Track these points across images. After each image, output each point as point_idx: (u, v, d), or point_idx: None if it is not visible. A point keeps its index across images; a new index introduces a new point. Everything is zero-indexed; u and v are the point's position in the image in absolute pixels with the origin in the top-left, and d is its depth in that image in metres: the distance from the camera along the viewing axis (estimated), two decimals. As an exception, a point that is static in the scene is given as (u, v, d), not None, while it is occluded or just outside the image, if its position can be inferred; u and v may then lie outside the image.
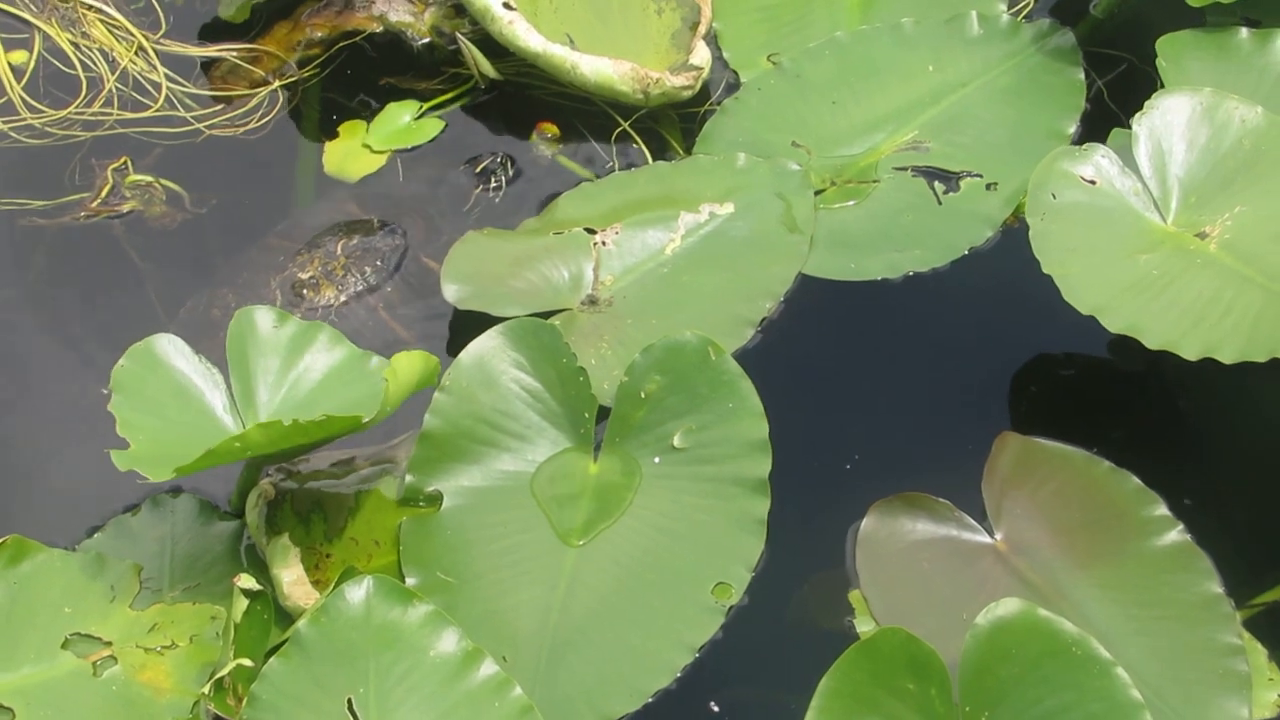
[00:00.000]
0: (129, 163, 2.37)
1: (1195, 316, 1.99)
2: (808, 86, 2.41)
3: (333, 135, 2.46)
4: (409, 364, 1.94)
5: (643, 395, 2.01)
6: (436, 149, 2.44)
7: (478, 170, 2.38)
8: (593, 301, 2.18)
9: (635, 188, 2.32)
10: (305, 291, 2.22)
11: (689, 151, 2.39)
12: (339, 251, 2.26)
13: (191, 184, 2.37)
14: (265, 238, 2.31)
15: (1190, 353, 1.95)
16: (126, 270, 2.31)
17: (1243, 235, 2.08)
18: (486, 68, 2.46)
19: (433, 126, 2.48)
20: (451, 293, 2.18)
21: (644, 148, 2.42)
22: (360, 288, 2.23)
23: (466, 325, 2.14)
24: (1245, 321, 1.98)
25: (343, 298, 2.22)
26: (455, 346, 2.11)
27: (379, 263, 2.25)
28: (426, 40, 2.51)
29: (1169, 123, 2.16)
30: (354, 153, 2.43)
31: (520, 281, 2.20)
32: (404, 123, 2.46)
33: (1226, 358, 1.95)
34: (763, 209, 2.26)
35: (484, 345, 2.04)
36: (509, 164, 2.36)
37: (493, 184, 2.34)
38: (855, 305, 2.22)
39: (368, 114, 2.49)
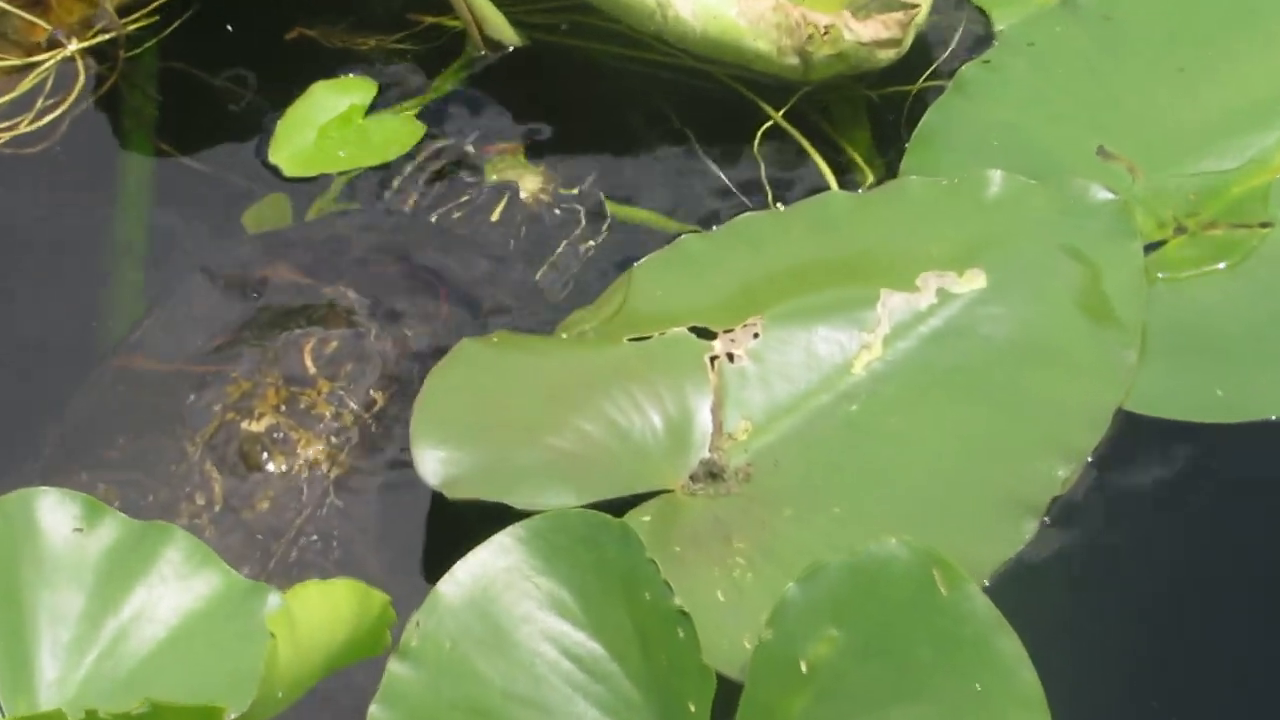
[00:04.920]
0: None
1: None
2: (1125, 41, 1.91)
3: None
4: (326, 604, 1.53)
5: (804, 666, 1.57)
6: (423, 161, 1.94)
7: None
8: (713, 474, 1.65)
9: (788, 245, 1.82)
10: (265, 458, 1.74)
11: (892, 170, 1.89)
12: (309, 367, 1.78)
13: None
14: (130, 355, 1.80)
15: None
16: None
17: None
18: (498, 23, 1.97)
19: (402, 129, 1.92)
20: (432, 466, 1.64)
21: (820, 162, 1.88)
22: (363, 430, 1.79)
23: (459, 523, 1.65)
24: None
25: (342, 457, 1.75)
26: (435, 566, 1.61)
27: (383, 378, 1.80)
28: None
29: None
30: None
31: (565, 437, 1.68)
32: (340, 111, 1.95)
33: None
34: (1041, 280, 1.75)
35: (488, 565, 1.59)
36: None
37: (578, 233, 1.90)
38: (1225, 471, 1.70)
39: (267, 107, 1.97)
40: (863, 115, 1.96)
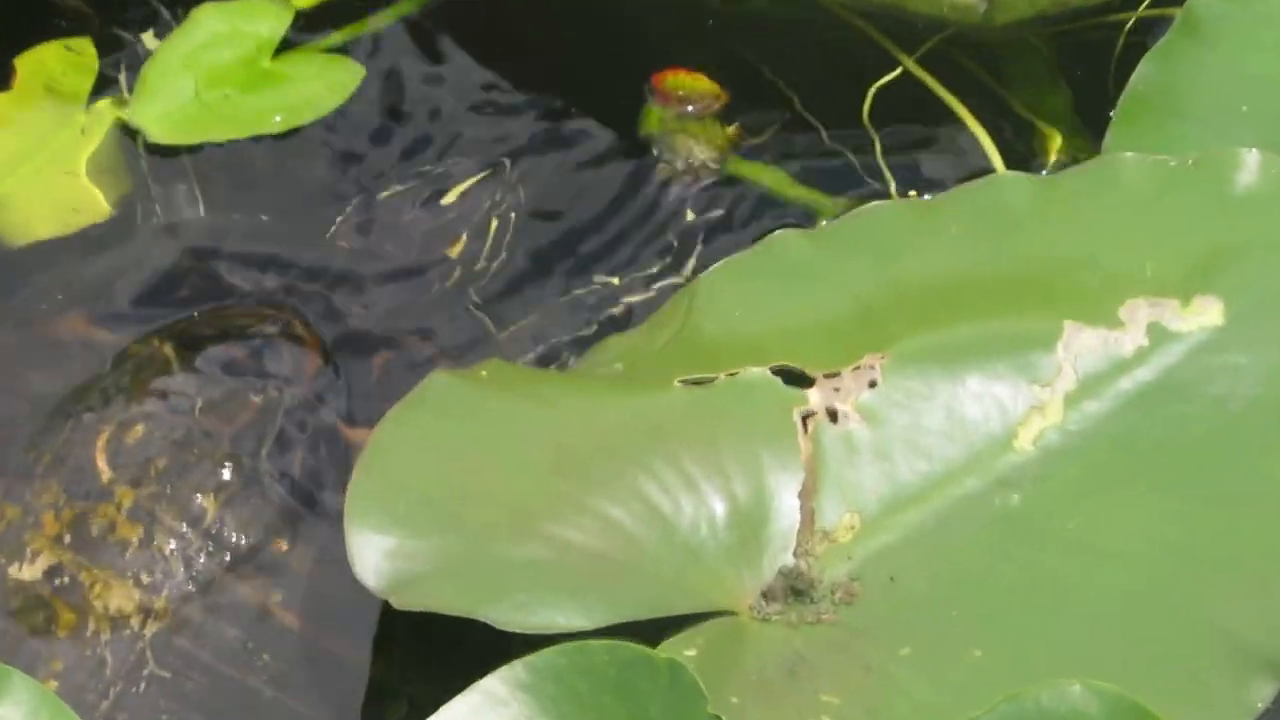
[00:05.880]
0: None
1: None
2: None
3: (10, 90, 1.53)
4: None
5: None
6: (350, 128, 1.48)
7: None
8: (797, 591, 1.28)
9: (935, 251, 1.41)
10: (45, 618, 1.36)
11: (1091, 144, 1.52)
12: (101, 470, 1.37)
13: None
14: None
15: None
16: None
17: None
18: None
19: (329, 74, 1.51)
20: (373, 560, 1.24)
21: (978, 130, 1.47)
22: (189, 558, 1.37)
23: (402, 668, 1.31)
24: None
25: (159, 602, 1.34)
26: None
27: (214, 475, 1.36)
28: None
29: None
30: (64, 150, 1.51)
31: (577, 525, 1.30)
32: (238, 48, 1.53)
33: None
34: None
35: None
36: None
37: None
38: None
39: (131, 40, 1.55)
40: (1045, 67, 1.57)
